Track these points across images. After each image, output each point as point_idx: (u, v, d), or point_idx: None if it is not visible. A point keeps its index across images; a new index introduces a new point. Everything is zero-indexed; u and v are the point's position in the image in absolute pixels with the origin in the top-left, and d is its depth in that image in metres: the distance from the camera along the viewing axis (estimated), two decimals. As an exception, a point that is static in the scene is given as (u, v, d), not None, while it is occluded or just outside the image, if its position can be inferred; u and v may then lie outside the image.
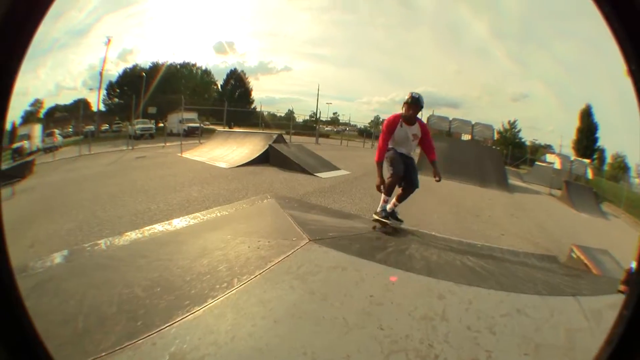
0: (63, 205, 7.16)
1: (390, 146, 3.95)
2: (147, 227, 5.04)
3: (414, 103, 3.84)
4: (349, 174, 9.11)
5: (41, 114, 17.47)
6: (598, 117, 18.90)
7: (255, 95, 17.57)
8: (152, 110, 15.78)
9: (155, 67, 18.14)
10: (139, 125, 14.93)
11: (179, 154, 11.14)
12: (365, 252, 3.26)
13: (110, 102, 18.77)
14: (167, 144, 12.49)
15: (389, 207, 4.02)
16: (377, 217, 4.07)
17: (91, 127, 16.26)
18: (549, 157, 17.61)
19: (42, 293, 2.86)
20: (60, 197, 7.88)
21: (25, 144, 14.76)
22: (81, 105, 18.11)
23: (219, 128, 14.27)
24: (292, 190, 7.13)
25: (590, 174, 15.45)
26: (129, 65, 19.41)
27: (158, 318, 2.31)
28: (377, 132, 12.87)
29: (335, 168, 8.82)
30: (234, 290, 2.73)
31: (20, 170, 11.07)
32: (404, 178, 3.93)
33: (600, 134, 18.91)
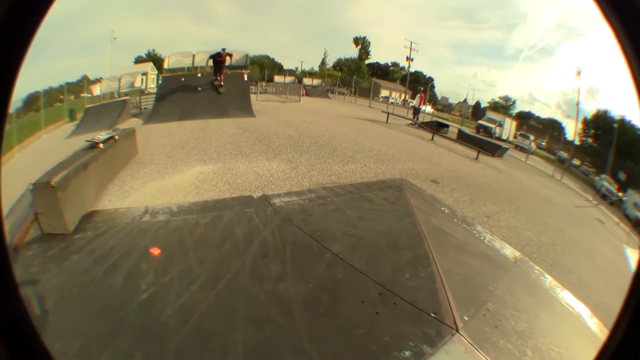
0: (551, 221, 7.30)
1: None
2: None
3: None
4: None
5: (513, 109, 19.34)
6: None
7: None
8: (622, 176, 13.87)
9: (621, 122, 15.61)
10: (606, 184, 13.54)
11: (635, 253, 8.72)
12: None
13: (584, 139, 17.75)
14: (629, 230, 10.74)
15: None
16: None
17: (564, 154, 16.55)
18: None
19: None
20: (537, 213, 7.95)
21: (496, 129, 17.95)
22: (555, 126, 19.01)
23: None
24: None
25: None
26: (599, 105, 17.99)
27: None
28: None
29: None
30: None
31: (497, 150, 13.79)
32: None
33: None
